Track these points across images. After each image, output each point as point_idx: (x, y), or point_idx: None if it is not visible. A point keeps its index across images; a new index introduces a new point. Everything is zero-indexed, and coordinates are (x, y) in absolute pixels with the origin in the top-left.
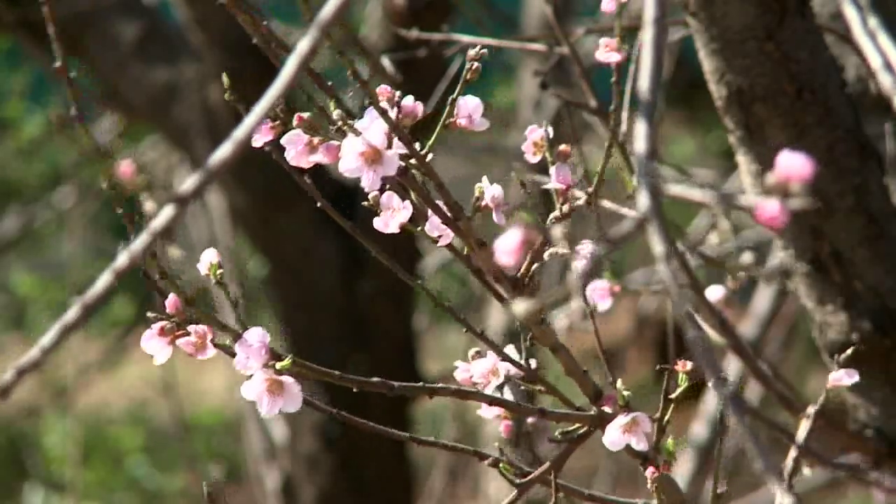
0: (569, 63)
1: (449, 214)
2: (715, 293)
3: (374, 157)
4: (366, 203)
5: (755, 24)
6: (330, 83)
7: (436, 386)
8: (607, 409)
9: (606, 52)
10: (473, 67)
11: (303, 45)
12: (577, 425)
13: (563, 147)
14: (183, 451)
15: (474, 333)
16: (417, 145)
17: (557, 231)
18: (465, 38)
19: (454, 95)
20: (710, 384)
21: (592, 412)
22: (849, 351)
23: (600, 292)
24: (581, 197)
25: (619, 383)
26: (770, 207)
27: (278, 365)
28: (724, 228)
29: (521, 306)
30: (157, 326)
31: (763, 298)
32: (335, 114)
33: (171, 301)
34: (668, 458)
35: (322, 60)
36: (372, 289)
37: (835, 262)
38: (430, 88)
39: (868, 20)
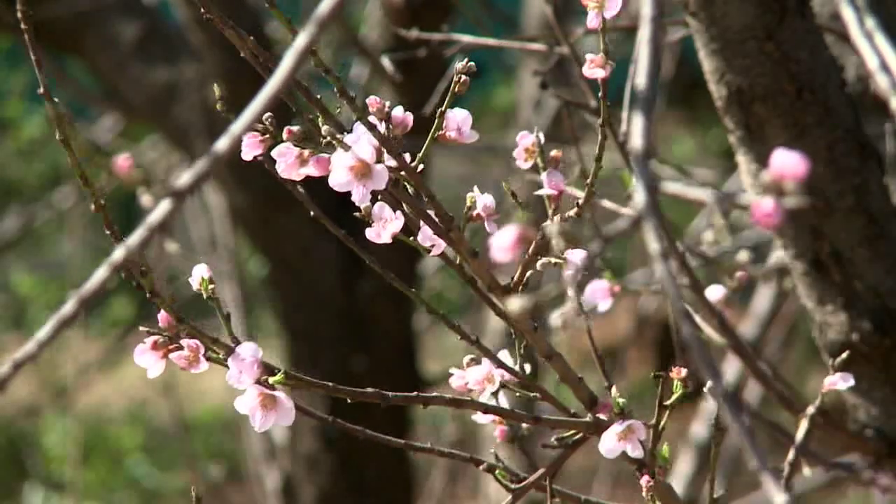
0: (569, 63)
1: (440, 225)
2: (715, 293)
3: (363, 172)
4: (357, 214)
5: (755, 24)
6: (319, 96)
7: (430, 395)
8: (602, 416)
9: (591, 67)
10: (462, 80)
11: (300, 41)
12: (572, 431)
13: (554, 153)
14: (183, 451)
15: (468, 340)
16: (408, 157)
17: (554, 227)
18: (465, 38)
19: (442, 108)
20: (706, 384)
21: (588, 419)
22: (844, 355)
23: (600, 292)
24: (571, 210)
25: (613, 390)
26: (765, 206)
27: (271, 380)
28: (719, 226)
29: (515, 303)
30: (150, 341)
31: (763, 298)
32: (324, 129)
33: (164, 315)
34: (663, 465)
35: (325, 59)
36: (372, 289)
37: (835, 262)
38: (430, 88)
39: (865, 21)
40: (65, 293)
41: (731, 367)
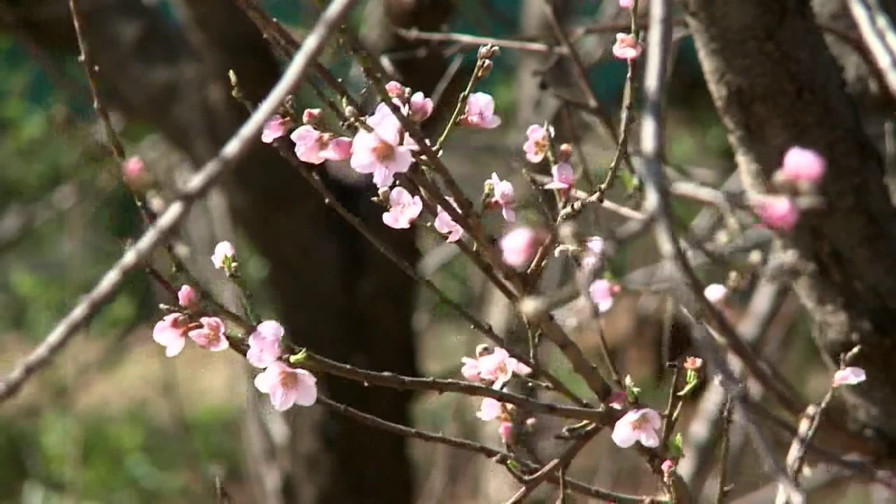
0: (569, 63)
1: (459, 211)
2: (715, 293)
3: (386, 154)
4: (375, 199)
5: (755, 24)
6: (340, 80)
7: (445, 381)
8: (616, 406)
9: (622, 47)
10: (485, 65)
11: (310, 43)
12: (584, 422)
13: (564, 146)
14: (183, 451)
15: (482, 330)
16: (427, 141)
17: (566, 229)
18: (465, 38)
19: (465, 92)
20: (716, 383)
21: (601, 409)
22: (855, 349)
23: (600, 292)
24: (592, 196)
25: (627, 380)
26: (779, 206)
27: (292, 358)
28: (732, 227)
29: (530, 305)
30: (169, 318)
31: (763, 298)
32: (347, 110)
33: (185, 293)
34: (675, 455)
35: (325, 58)
36: (372, 289)
37: (835, 262)
38: (430, 88)
39: (877, 19)
40: (65, 293)
41: (731, 368)
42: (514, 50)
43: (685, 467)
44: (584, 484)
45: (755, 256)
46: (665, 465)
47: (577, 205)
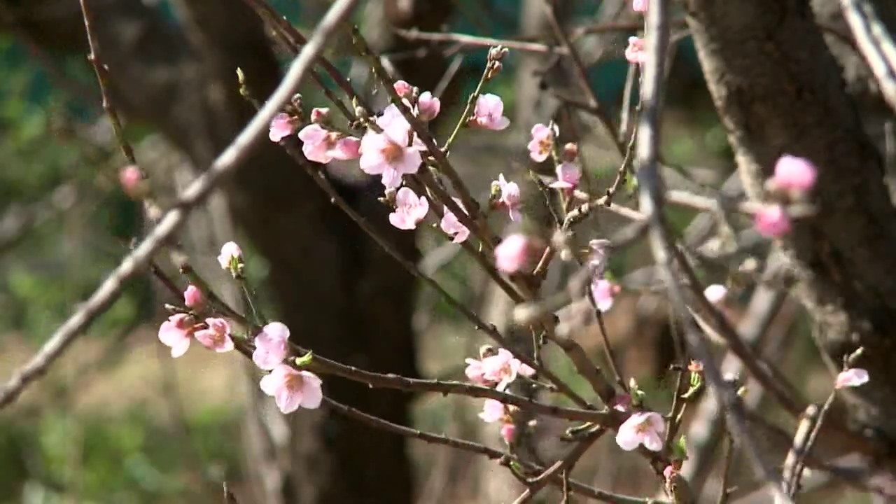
0: (569, 63)
1: (466, 212)
2: (715, 293)
3: (395, 155)
4: (381, 199)
5: (755, 24)
6: (349, 79)
7: (450, 383)
8: (619, 409)
9: (635, 50)
10: (495, 66)
11: (308, 50)
12: (587, 424)
13: (569, 146)
14: (183, 451)
15: (486, 331)
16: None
17: (561, 237)
18: (465, 39)
19: (475, 93)
20: (711, 388)
21: (604, 411)
22: (858, 351)
23: (600, 292)
24: (599, 200)
25: (632, 382)
26: (771, 214)
27: (298, 361)
28: (725, 233)
29: (523, 312)
30: (175, 318)
31: (763, 298)
32: (357, 110)
33: (191, 293)
34: (679, 457)
35: (327, 57)
36: (372, 289)
37: (835, 262)
38: (430, 88)
39: (873, 27)
40: (64, 294)
41: (731, 367)
42: (514, 50)
43: (686, 467)
44: (585, 485)
45: (750, 263)
46: (667, 471)
47: (583, 208)
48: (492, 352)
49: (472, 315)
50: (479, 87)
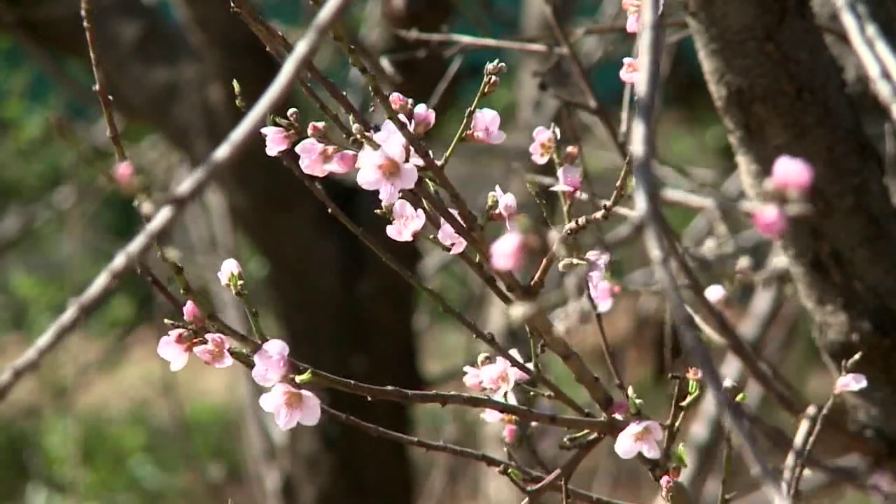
0: (569, 63)
1: (463, 224)
2: (714, 294)
3: (392, 170)
4: (378, 212)
5: (755, 25)
6: (345, 93)
7: (448, 394)
8: (618, 417)
9: (629, 71)
10: (492, 81)
11: (301, 48)
12: (585, 431)
13: (571, 149)
14: (183, 451)
15: (483, 339)
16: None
17: (558, 238)
18: (465, 39)
19: (471, 108)
20: (709, 389)
21: (602, 419)
22: (857, 356)
23: (600, 293)
24: (598, 213)
25: (630, 391)
26: (768, 214)
27: (298, 378)
28: (721, 233)
29: (517, 311)
30: (174, 334)
31: (763, 299)
32: (354, 127)
33: (189, 309)
34: (678, 465)
35: (322, 63)
36: (372, 289)
37: (835, 263)
38: (430, 89)
39: (866, 28)
40: (64, 294)
41: (731, 368)
42: (513, 50)
43: (685, 469)
44: (584, 491)
45: (744, 262)
46: (664, 481)
47: (581, 220)
48: (489, 360)
49: (469, 323)
50: (475, 102)
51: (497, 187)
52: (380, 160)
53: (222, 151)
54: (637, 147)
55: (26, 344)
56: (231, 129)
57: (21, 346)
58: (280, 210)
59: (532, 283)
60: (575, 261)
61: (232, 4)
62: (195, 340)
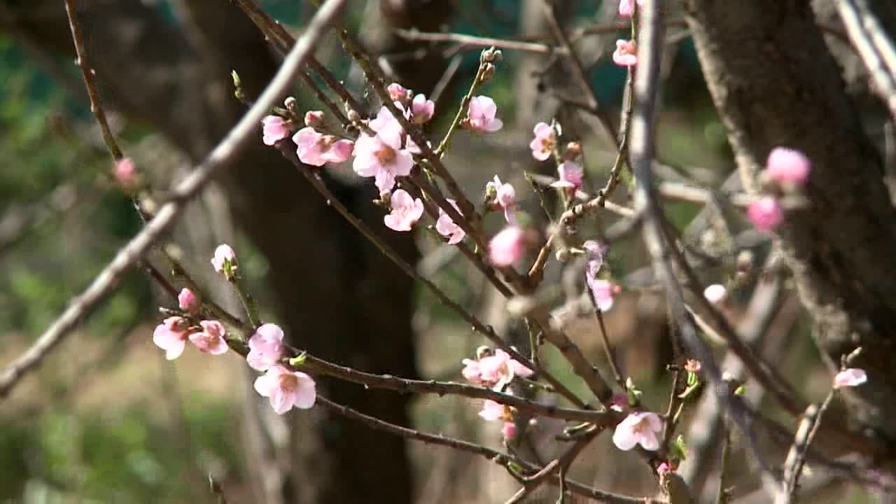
0: (568, 63)
1: (461, 214)
2: (714, 293)
3: (388, 157)
4: (376, 201)
5: (755, 25)
6: (340, 80)
7: (446, 384)
8: (616, 408)
9: (623, 53)
10: (488, 69)
11: (301, 45)
12: (584, 424)
13: (572, 145)
14: (184, 451)
15: (483, 332)
16: (429, 144)
17: (557, 230)
18: (465, 39)
19: (467, 96)
20: (709, 385)
21: (602, 411)
22: (857, 351)
23: (600, 292)
24: (593, 200)
25: (629, 382)
26: (764, 206)
27: (292, 361)
28: (719, 227)
29: (517, 304)
30: (169, 322)
31: (763, 298)
32: (350, 113)
33: (185, 296)
34: (677, 457)
35: (322, 62)
36: (372, 289)
37: (835, 263)
38: (429, 88)
39: (865, 20)
40: (64, 293)
41: (731, 368)
42: (513, 50)
43: (685, 468)
44: (584, 485)
45: (745, 257)
46: (661, 469)
47: (578, 209)
48: (489, 353)
49: (469, 316)
50: (471, 90)
51: (496, 177)
52: (375, 147)
53: (223, 149)
54: (637, 143)
55: (26, 344)
56: (231, 129)
57: (21, 345)
58: (280, 210)
59: (530, 273)
60: (573, 250)
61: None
62: (191, 328)
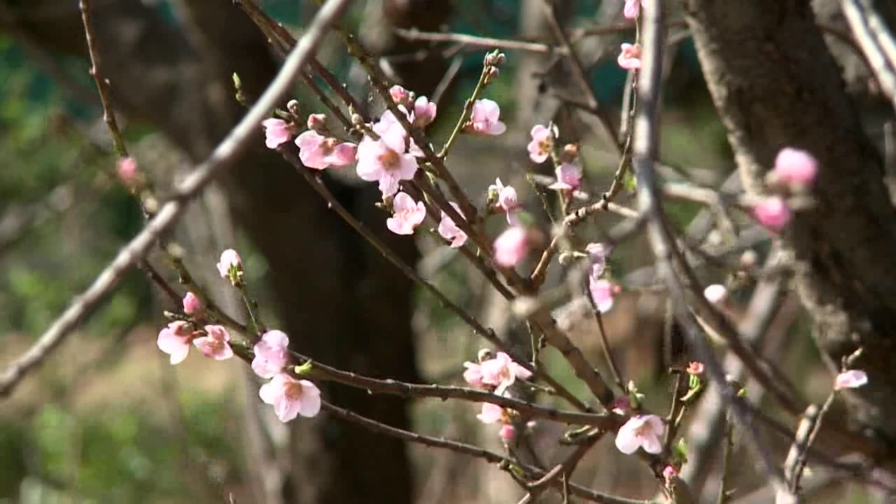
0: (568, 63)
1: (463, 217)
2: (715, 293)
3: (391, 161)
4: (378, 204)
5: (755, 25)
6: (345, 85)
7: (449, 388)
8: (618, 412)
9: (627, 57)
10: (491, 72)
11: (303, 44)
12: (586, 427)
13: (569, 147)
14: (182, 449)
15: (484, 335)
16: (431, 147)
17: (561, 231)
18: (465, 39)
19: (471, 99)
20: (712, 385)
21: (603, 414)
22: (857, 352)
23: (600, 292)
24: (596, 204)
25: (630, 385)
26: (771, 207)
27: (297, 369)
28: (725, 228)
29: (521, 306)
30: (174, 326)
31: (763, 298)
32: (353, 117)
33: (189, 301)
34: (679, 460)
35: (322, 62)
36: (372, 289)
37: (835, 263)
38: (430, 89)
39: (869, 20)
40: (63, 293)
41: (731, 368)
42: (513, 50)
43: (686, 468)
44: (585, 488)
45: (748, 257)
46: (666, 472)
47: (581, 212)
48: (490, 355)
49: (469, 318)
50: (475, 93)
51: (497, 180)
52: (379, 151)
53: (226, 148)
54: (640, 142)
55: (26, 343)
56: (231, 129)
57: (20, 344)
58: (280, 210)
59: (533, 276)
60: (576, 253)
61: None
62: (195, 333)
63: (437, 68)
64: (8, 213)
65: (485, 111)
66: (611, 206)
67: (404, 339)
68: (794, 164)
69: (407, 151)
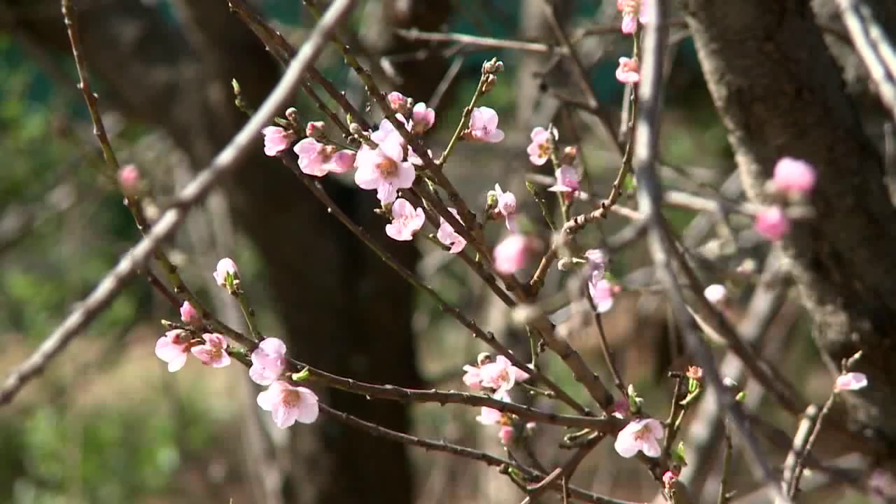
0: (568, 63)
1: (462, 223)
2: (714, 293)
3: (390, 169)
4: (377, 211)
5: (755, 25)
6: (343, 92)
7: (448, 393)
8: (618, 415)
9: (625, 71)
10: (489, 80)
11: (305, 51)
12: (585, 430)
13: (569, 149)
14: (182, 449)
15: (483, 338)
16: (430, 153)
17: (561, 238)
18: (465, 39)
19: (469, 107)
20: (710, 390)
21: (603, 417)
22: (857, 355)
23: (600, 293)
24: (596, 212)
25: (630, 389)
26: (771, 216)
27: (295, 376)
28: (724, 235)
29: (521, 313)
30: (171, 334)
31: (763, 299)
32: (351, 126)
33: (187, 309)
34: (678, 463)
35: (322, 63)
36: (372, 289)
37: (835, 263)
38: (430, 88)
39: (871, 30)
40: (62, 293)
41: (731, 368)
42: (513, 50)
43: (685, 469)
44: (584, 490)
45: (748, 264)
46: (666, 477)
47: (580, 219)
48: (489, 359)
49: (469, 322)
50: (473, 101)
51: (497, 186)
52: (377, 159)
53: (227, 155)
54: (641, 150)
55: (24, 344)
56: (231, 129)
57: (19, 345)
58: (280, 210)
59: (532, 282)
60: (575, 260)
61: (230, 4)
62: (193, 341)
63: (437, 68)
64: (8, 214)
65: (483, 119)
66: (613, 207)
67: (404, 340)
68: (792, 173)
69: (405, 159)
